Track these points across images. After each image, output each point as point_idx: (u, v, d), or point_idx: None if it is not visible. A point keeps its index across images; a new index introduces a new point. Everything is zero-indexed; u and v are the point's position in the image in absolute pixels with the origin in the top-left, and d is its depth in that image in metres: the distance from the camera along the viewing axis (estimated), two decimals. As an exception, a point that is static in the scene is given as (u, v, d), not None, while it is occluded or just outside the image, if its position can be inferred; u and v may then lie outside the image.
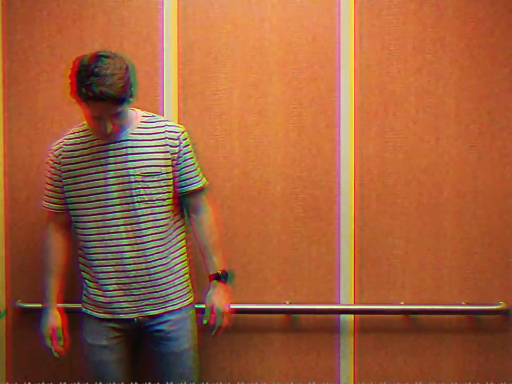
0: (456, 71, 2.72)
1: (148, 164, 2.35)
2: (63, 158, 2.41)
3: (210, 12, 2.74)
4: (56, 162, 2.42)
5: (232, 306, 2.67)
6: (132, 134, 2.37)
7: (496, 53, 2.71)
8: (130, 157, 2.35)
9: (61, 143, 2.44)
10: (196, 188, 2.45)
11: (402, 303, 2.73)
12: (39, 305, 2.73)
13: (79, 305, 2.68)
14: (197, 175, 2.46)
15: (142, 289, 2.38)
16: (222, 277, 2.45)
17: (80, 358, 2.78)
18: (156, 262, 2.38)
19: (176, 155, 2.39)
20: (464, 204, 2.73)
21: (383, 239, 2.74)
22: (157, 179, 2.36)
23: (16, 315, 2.78)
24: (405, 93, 2.73)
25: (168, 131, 2.40)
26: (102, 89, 2.15)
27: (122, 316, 2.40)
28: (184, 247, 2.48)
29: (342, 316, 2.74)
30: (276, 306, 2.70)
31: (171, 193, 2.41)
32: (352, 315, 2.74)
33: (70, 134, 2.45)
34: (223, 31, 2.73)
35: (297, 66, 2.73)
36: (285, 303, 2.73)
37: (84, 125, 2.45)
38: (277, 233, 2.74)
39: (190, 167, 2.43)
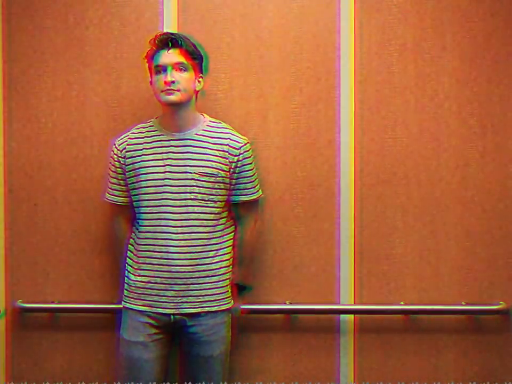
0: (456, 70, 2.72)
1: (206, 165, 2.42)
2: (127, 151, 2.49)
3: (210, 12, 2.74)
4: (120, 157, 2.50)
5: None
6: (196, 134, 2.45)
7: (497, 52, 2.71)
8: (190, 155, 2.42)
9: (126, 137, 2.52)
10: (246, 199, 2.51)
11: (402, 303, 2.73)
12: (39, 305, 2.73)
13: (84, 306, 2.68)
14: (252, 188, 2.52)
15: (183, 286, 2.41)
16: (238, 289, 2.56)
17: (81, 359, 2.78)
18: (201, 260, 2.42)
19: (234, 164, 2.45)
20: (464, 203, 2.73)
21: (383, 239, 2.74)
22: (213, 180, 2.42)
23: (16, 315, 2.78)
24: (405, 92, 2.73)
25: (232, 140, 2.47)
26: (176, 35, 2.41)
27: (160, 310, 2.42)
28: (230, 254, 2.51)
29: (342, 315, 2.74)
30: (276, 306, 2.70)
31: (224, 197, 2.46)
32: (352, 315, 2.74)
33: (135, 129, 2.53)
34: (223, 31, 2.73)
35: (297, 66, 2.73)
36: (285, 303, 2.73)
37: (150, 121, 2.53)
38: (277, 233, 2.74)
39: (245, 178, 2.48)
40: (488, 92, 2.72)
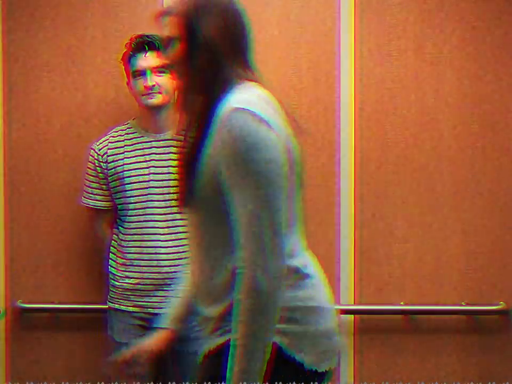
0: (456, 70, 2.72)
1: None
2: (108, 156, 2.48)
3: (210, 11, 2.74)
4: (101, 161, 2.49)
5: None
6: (177, 134, 2.44)
7: (497, 52, 2.71)
8: (172, 156, 2.41)
9: (106, 141, 2.51)
10: None
11: (402, 303, 2.73)
12: (39, 305, 2.73)
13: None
14: None
15: (173, 286, 2.41)
16: None
17: (81, 359, 2.78)
18: (189, 260, 2.41)
19: None
20: (465, 204, 2.73)
21: (383, 239, 2.74)
22: None
23: (16, 315, 2.78)
24: (405, 92, 2.72)
25: None
26: (152, 38, 2.38)
27: (151, 310, 2.43)
28: None
29: (342, 316, 2.74)
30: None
31: None
32: (352, 315, 2.74)
33: (114, 132, 2.53)
34: (223, 31, 2.73)
35: (297, 66, 2.73)
36: (285, 303, 2.73)
37: (127, 123, 2.53)
38: (277, 233, 2.74)
39: None
40: (488, 91, 2.72)
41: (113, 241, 2.52)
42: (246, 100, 1.45)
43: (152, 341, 1.94)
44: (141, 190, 2.43)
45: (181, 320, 1.79)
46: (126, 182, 2.44)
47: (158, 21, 1.62)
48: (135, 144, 2.47)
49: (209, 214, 1.50)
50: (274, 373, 1.44)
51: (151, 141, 2.45)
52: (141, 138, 2.47)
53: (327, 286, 1.61)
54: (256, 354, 1.39)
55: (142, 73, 2.38)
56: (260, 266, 1.37)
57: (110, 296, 2.52)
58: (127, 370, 1.88)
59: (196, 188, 1.48)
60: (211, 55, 1.52)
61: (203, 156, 1.47)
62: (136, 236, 2.43)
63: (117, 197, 2.48)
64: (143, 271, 2.42)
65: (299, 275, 1.51)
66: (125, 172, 2.44)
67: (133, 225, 2.44)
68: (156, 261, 2.41)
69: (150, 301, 2.43)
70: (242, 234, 1.39)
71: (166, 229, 2.41)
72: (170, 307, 1.92)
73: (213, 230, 1.51)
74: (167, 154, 2.43)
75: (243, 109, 1.42)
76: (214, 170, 1.45)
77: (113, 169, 2.46)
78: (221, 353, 1.49)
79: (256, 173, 1.38)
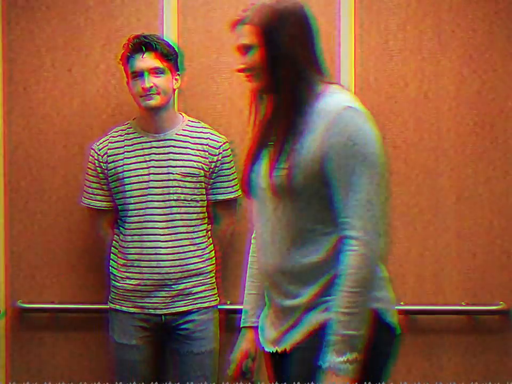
0: (455, 70, 2.72)
1: (188, 165, 2.43)
2: (108, 156, 2.48)
3: (210, 12, 2.74)
4: (102, 162, 2.49)
5: (233, 307, 2.67)
6: (177, 134, 2.46)
7: (497, 52, 2.71)
8: (172, 156, 2.43)
9: (106, 141, 2.51)
10: (222, 198, 2.52)
11: (402, 303, 2.72)
12: (39, 305, 2.73)
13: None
14: (228, 187, 2.52)
15: (173, 286, 2.42)
16: None
17: (80, 358, 2.78)
18: (189, 260, 2.43)
19: (213, 164, 2.47)
20: (464, 204, 2.73)
21: (383, 239, 2.73)
22: (195, 180, 2.43)
23: (16, 315, 2.78)
24: (404, 92, 2.72)
25: (211, 139, 2.49)
26: (150, 38, 2.39)
27: (152, 311, 2.43)
28: (213, 251, 2.53)
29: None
30: (276, 307, 2.70)
31: (204, 196, 2.48)
32: (352, 315, 2.74)
33: (114, 132, 2.53)
34: (223, 31, 2.72)
35: (297, 66, 2.73)
36: (285, 303, 2.72)
37: (127, 123, 2.53)
38: (277, 233, 2.74)
39: (223, 177, 2.49)
40: (488, 91, 2.72)
41: (114, 242, 2.52)
42: (350, 100, 1.60)
43: (246, 344, 1.87)
44: (140, 191, 2.42)
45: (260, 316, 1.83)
46: (126, 182, 2.44)
47: (233, 29, 1.65)
48: (135, 144, 2.47)
49: (306, 201, 1.61)
50: (377, 338, 1.61)
51: (151, 141, 2.45)
52: (141, 138, 2.47)
53: None
54: (363, 321, 1.57)
55: (139, 74, 2.38)
56: (374, 244, 1.56)
57: (111, 297, 2.52)
58: (243, 380, 1.92)
59: (293, 177, 1.59)
60: (292, 62, 1.61)
61: (302, 148, 1.58)
62: (136, 237, 2.43)
63: (117, 197, 2.48)
64: (143, 271, 2.42)
65: None
66: (124, 172, 2.44)
67: (133, 225, 2.44)
68: (155, 262, 2.41)
69: (151, 301, 2.43)
70: (359, 217, 1.56)
71: (166, 230, 2.41)
72: (246, 304, 1.88)
73: (309, 216, 1.63)
74: (167, 154, 2.43)
75: (353, 107, 1.58)
76: (320, 161, 1.57)
77: (113, 170, 2.46)
78: (312, 343, 1.62)
79: (371, 165, 1.56)
